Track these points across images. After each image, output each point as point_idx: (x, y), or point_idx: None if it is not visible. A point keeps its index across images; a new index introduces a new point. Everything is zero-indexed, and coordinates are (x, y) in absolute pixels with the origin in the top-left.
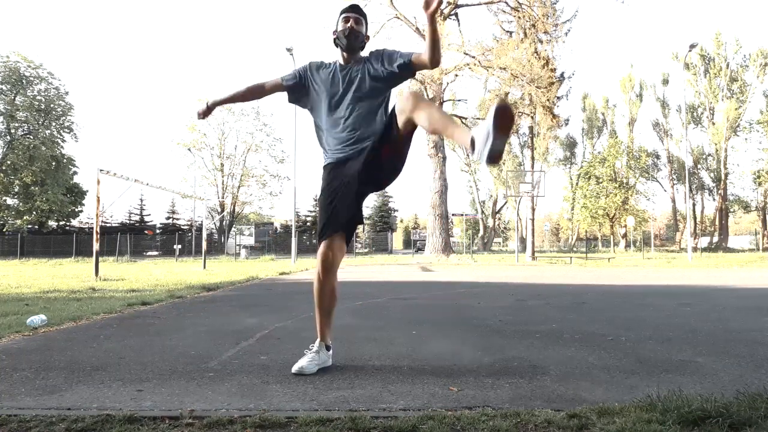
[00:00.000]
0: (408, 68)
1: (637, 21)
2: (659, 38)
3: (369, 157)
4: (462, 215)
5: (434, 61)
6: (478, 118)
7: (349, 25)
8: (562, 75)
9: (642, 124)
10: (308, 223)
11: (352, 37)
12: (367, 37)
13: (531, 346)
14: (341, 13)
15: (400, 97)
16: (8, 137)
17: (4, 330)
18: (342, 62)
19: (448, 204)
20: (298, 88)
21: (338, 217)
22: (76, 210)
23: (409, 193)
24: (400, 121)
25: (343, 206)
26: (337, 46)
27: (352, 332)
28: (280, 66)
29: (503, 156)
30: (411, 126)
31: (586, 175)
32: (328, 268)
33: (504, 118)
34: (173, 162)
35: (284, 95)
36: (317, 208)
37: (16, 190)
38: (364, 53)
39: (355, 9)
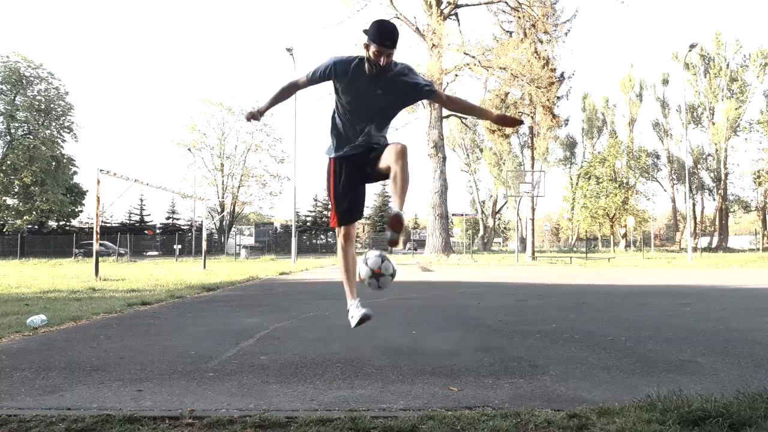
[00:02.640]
0: (431, 98)
1: (637, 21)
2: (659, 38)
3: (371, 160)
4: (462, 215)
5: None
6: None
7: (381, 62)
8: (562, 75)
9: (642, 124)
10: (308, 223)
11: (381, 70)
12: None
13: (531, 346)
14: (375, 40)
15: (393, 149)
16: (8, 137)
17: (4, 330)
18: (367, 67)
19: (448, 204)
20: (323, 82)
21: (353, 208)
22: (76, 210)
23: (409, 193)
24: (382, 165)
25: (355, 198)
26: (366, 60)
27: (352, 332)
28: (280, 66)
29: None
30: (385, 173)
31: (586, 175)
32: (349, 240)
33: (394, 224)
34: (173, 162)
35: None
36: (327, 194)
37: (16, 190)
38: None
39: (388, 44)
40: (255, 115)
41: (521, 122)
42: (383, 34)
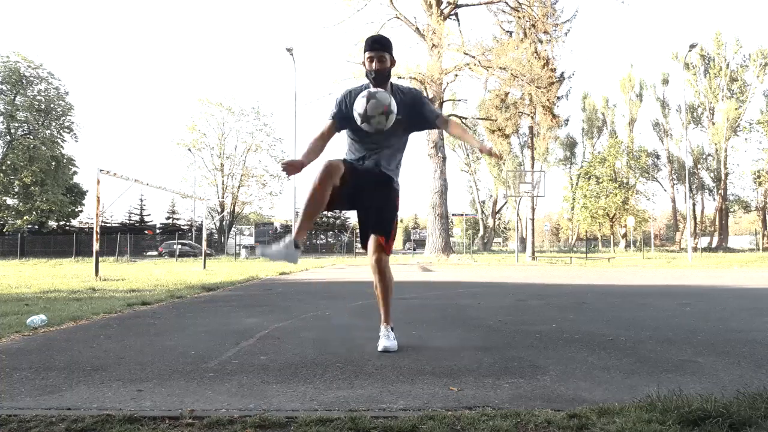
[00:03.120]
0: (442, 128)
1: (637, 21)
2: (659, 38)
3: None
4: (462, 215)
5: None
6: (479, 118)
7: (374, 66)
8: (562, 75)
9: (642, 124)
10: None
11: (379, 77)
12: (393, 63)
13: (531, 346)
14: (365, 49)
15: (371, 255)
16: (8, 137)
17: (4, 330)
18: (368, 81)
19: (448, 204)
20: (346, 122)
21: (343, 195)
22: (76, 210)
23: (409, 193)
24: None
25: (353, 194)
26: (366, 76)
27: (352, 332)
28: (279, 66)
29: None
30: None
31: (586, 175)
32: (329, 176)
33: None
34: (173, 162)
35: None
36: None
37: (16, 190)
38: (393, 79)
39: (376, 46)
40: (297, 166)
41: (499, 157)
42: (371, 41)
